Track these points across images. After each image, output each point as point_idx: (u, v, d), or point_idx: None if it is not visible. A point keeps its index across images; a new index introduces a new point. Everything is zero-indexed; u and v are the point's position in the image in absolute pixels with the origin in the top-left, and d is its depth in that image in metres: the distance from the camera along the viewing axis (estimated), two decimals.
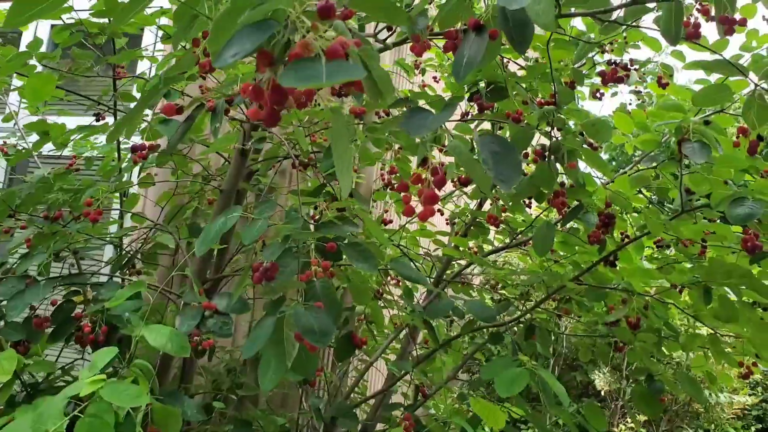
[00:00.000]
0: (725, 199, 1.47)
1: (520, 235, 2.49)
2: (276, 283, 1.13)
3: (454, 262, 2.61)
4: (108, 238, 2.00)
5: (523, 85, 1.68)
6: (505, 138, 0.83)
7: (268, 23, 0.58)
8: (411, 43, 1.17)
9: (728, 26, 1.13)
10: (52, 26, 2.24)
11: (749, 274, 1.78)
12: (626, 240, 1.98)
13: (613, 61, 1.67)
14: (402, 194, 0.89)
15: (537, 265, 2.45)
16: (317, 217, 1.53)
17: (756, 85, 1.21)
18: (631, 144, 2.28)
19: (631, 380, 4.58)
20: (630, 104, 2.88)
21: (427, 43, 1.35)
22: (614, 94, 2.72)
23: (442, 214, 2.84)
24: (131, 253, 2.05)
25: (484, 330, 2.19)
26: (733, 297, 1.91)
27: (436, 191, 0.82)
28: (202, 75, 1.18)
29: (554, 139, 1.64)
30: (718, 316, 1.91)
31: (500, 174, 0.77)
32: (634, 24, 1.31)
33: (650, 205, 2.00)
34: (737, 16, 1.24)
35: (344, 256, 1.42)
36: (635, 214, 1.92)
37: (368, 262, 1.42)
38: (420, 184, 0.88)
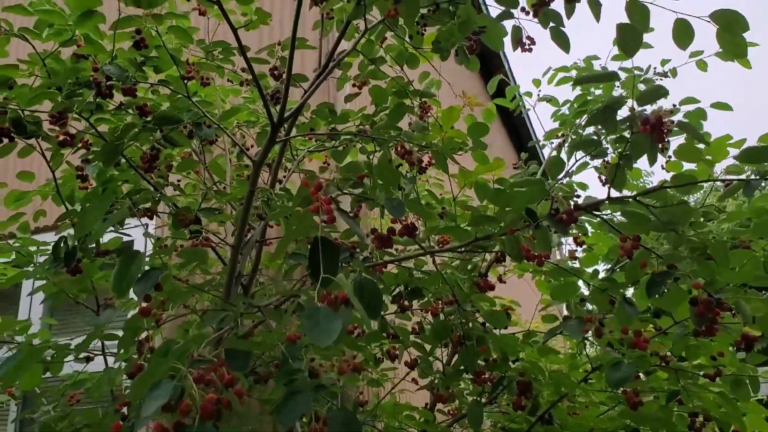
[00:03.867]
0: (607, 364, 1.75)
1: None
2: None
3: None
4: None
5: (432, 289, 2.01)
6: (350, 413, 1.12)
7: (168, 386, 0.90)
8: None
9: (538, 260, 1.46)
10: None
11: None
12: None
13: (481, 274, 2.01)
14: None
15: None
16: None
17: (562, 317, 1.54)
18: None
19: None
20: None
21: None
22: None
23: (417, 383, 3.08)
24: None
25: None
26: None
27: None
28: None
29: (465, 328, 1.95)
30: None
31: None
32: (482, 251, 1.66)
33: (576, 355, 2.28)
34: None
35: None
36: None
37: None
38: None
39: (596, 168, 2.91)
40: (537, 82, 3.67)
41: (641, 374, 2.20)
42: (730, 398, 2.10)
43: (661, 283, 1.35)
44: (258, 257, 2.47)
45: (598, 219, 1.43)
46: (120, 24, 1.81)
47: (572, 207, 1.35)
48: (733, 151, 2.13)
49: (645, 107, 1.27)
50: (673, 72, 2.84)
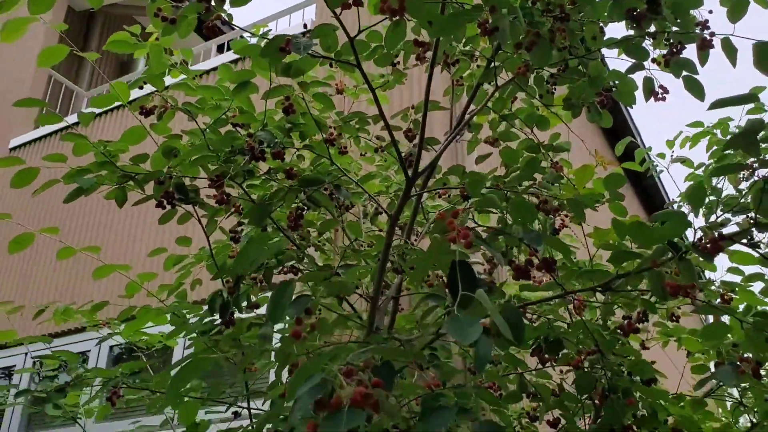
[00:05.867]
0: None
1: None
2: None
3: None
4: None
5: (573, 340, 1.96)
6: (496, 424, 1.12)
7: (320, 386, 0.96)
8: None
9: (683, 292, 1.41)
10: None
11: None
12: None
13: (627, 316, 1.94)
14: None
15: None
16: None
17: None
18: None
19: None
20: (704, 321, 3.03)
21: None
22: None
23: None
24: None
25: None
26: None
27: None
28: None
29: (610, 379, 1.88)
30: None
31: None
32: None
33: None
34: None
35: None
36: None
37: None
38: None
39: (738, 224, 2.74)
40: (671, 143, 3.59)
41: None
42: None
43: None
44: (393, 316, 2.52)
45: (747, 250, 1.38)
46: (271, 93, 2.00)
47: (717, 236, 1.32)
48: None
49: None
50: None
